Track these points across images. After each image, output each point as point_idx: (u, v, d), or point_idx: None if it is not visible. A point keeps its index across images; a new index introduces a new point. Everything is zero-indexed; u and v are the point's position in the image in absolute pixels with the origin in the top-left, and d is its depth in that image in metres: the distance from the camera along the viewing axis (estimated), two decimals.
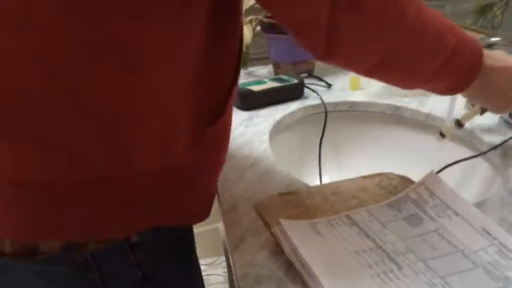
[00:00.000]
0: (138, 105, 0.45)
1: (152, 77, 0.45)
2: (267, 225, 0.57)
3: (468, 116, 0.75)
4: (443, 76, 0.54)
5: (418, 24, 0.49)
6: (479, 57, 0.55)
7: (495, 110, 0.66)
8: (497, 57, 0.57)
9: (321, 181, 0.86)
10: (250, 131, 0.85)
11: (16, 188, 0.46)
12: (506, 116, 0.83)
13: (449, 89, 0.57)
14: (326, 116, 0.94)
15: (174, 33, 0.45)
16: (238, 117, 0.91)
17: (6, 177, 0.45)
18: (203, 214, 0.57)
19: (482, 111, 0.73)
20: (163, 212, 0.53)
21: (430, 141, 0.84)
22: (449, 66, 0.53)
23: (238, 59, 0.56)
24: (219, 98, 0.54)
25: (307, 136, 0.96)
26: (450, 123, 0.76)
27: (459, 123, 0.75)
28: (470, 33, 0.56)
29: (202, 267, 0.70)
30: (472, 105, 0.78)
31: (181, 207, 0.54)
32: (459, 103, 0.91)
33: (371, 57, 0.50)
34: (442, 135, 0.77)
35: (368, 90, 1.04)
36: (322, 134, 0.83)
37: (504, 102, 0.62)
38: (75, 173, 0.46)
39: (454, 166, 0.83)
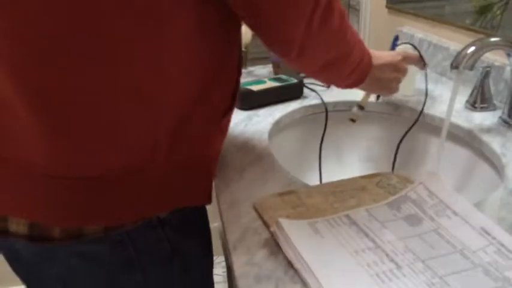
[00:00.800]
0: (157, 106, 0.52)
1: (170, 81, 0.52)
2: (266, 224, 0.57)
3: (365, 99, 0.90)
4: (349, 77, 0.71)
5: (350, 39, 0.64)
6: (370, 60, 0.73)
7: (381, 94, 0.92)
8: (378, 55, 0.75)
9: (321, 180, 0.86)
10: (249, 130, 0.85)
11: (56, 180, 0.52)
12: (505, 116, 0.83)
13: (349, 86, 0.74)
14: (327, 115, 0.94)
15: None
16: (238, 117, 0.91)
17: (44, 168, 0.51)
18: (210, 195, 0.64)
19: (377, 95, 0.95)
20: (185, 194, 0.59)
21: (430, 141, 0.84)
22: (356, 71, 0.70)
23: (238, 67, 0.63)
24: (229, 94, 0.62)
25: (307, 135, 0.96)
26: (354, 108, 0.89)
27: (360, 107, 0.89)
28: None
29: None
30: None
31: (199, 189, 0.61)
32: (458, 102, 0.91)
33: (320, 62, 0.64)
34: (352, 120, 0.88)
35: None
36: (323, 134, 0.83)
37: (382, 88, 0.81)
38: (109, 166, 0.52)
39: (454, 166, 0.83)
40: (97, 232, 0.55)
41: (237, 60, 0.62)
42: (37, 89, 0.48)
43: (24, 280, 0.66)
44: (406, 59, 0.82)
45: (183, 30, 0.50)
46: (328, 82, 0.79)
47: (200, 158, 0.59)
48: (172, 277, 0.63)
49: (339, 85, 0.74)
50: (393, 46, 0.96)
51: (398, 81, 0.82)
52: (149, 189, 0.56)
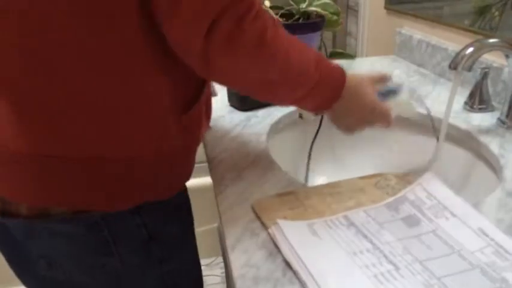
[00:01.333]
0: (121, 99, 0.54)
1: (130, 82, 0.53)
2: (264, 225, 0.57)
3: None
4: (305, 101, 0.64)
5: (286, 63, 0.57)
6: (340, 88, 0.64)
7: (343, 129, 0.71)
8: (363, 92, 0.66)
9: (307, 180, 0.85)
10: (248, 131, 0.85)
11: (23, 157, 0.54)
12: (503, 117, 0.83)
13: (313, 109, 0.67)
14: (322, 116, 0.94)
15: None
16: (236, 118, 0.91)
17: (12, 146, 0.54)
18: (176, 189, 0.65)
19: None
20: (147, 188, 0.60)
21: (428, 141, 0.84)
22: (311, 96, 0.62)
23: None
24: (191, 91, 0.61)
25: (305, 136, 0.96)
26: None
27: (300, 115, 0.83)
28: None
29: None
30: None
31: (160, 184, 0.62)
32: (457, 103, 0.91)
33: (243, 84, 0.61)
34: (301, 116, 0.82)
35: None
36: (316, 134, 0.82)
37: (344, 125, 0.70)
38: (71, 151, 0.54)
39: (453, 167, 0.83)
40: (64, 213, 0.57)
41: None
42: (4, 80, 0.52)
43: (9, 259, 0.68)
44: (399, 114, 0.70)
45: (126, 33, 0.50)
46: (278, 104, 0.70)
47: (158, 153, 0.59)
48: (149, 263, 0.65)
49: (300, 106, 0.67)
50: (384, 95, 0.71)
51: (369, 126, 0.70)
52: (110, 180, 0.57)
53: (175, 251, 0.68)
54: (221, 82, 0.61)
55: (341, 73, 0.64)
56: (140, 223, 0.61)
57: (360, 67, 1.24)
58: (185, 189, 0.70)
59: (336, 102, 0.65)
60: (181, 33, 0.50)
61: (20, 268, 0.67)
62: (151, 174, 0.60)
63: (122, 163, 0.57)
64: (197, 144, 0.67)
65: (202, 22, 0.49)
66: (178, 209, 0.68)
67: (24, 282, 0.69)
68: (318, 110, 0.67)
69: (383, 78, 0.71)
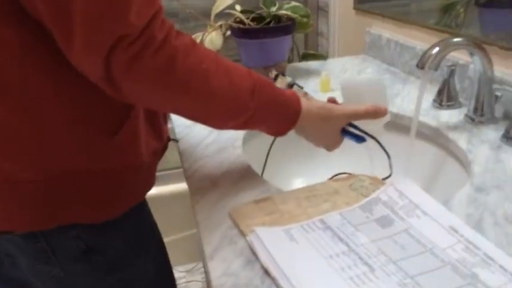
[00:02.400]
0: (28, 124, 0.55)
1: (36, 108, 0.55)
2: (242, 233, 0.57)
3: None
4: (251, 127, 0.65)
5: (205, 91, 0.56)
6: (294, 115, 0.65)
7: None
8: (322, 117, 0.67)
9: (262, 173, 0.84)
10: (223, 137, 0.85)
11: None
12: (470, 113, 0.85)
13: (269, 134, 0.67)
14: None
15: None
16: None
17: None
18: (113, 211, 0.65)
19: None
20: (71, 211, 0.61)
21: (399, 140, 0.86)
22: (254, 123, 0.63)
23: None
24: (114, 115, 0.60)
25: (281, 140, 0.97)
26: None
27: None
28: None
29: (181, 274, 0.73)
30: None
31: (90, 206, 0.62)
32: (426, 100, 0.94)
33: (162, 109, 0.63)
34: None
35: (339, 92, 1.05)
36: (273, 141, 0.81)
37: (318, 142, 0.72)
38: None
39: (423, 164, 0.86)
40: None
41: None
42: None
43: None
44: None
45: (11, 51, 0.51)
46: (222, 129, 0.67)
47: (87, 174, 0.60)
48: (95, 274, 0.66)
49: (250, 130, 0.68)
50: (347, 134, 0.71)
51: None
52: (30, 202, 0.59)
53: (122, 262, 0.68)
54: (141, 106, 0.62)
55: (292, 101, 0.64)
56: (76, 235, 0.62)
57: (333, 68, 1.25)
58: (136, 207, 0.68)
59: (296, 128, 0.66)
60: (79, 60, 0.51)
61: None
62: (75, 195, 0.60)
63: (41, 184, 0.58)
64: (138, 166, 0.65)
65: (98, 50, 0.48)
66: (121, 223, 0.66)
67: None
68: (274, 135, 0.68)
69: (368, 116, 0.69)
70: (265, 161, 0.81)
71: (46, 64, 0.53)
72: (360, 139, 0.70)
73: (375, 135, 0.70)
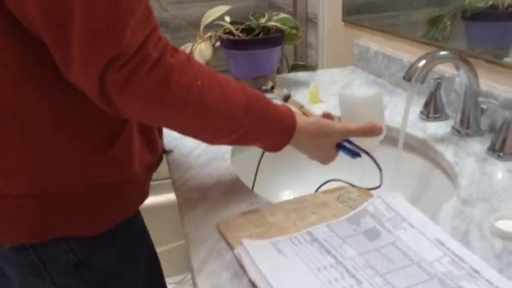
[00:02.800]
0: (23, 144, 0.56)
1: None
2: (230, 245, 0.57)
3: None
4: (246, 144, 0.64)
5: (200, 107, 0.56)
6: (289, 130, 0.65)
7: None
8: (317, 133, 0.67)
9: (253, 185, 0.84)
10: (212, 149, 0.85)
11: None
12: (457, 125, 0.86)
13: (264, 149, 0.68)
14: None
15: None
16: None
17: None
18: (103, 224, 0.64)
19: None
20: (61, 224, 0.61)
21: (387, 151, 0.87)
22: (248, 140, 0.63)
23: None
24: (109, 130, 0.60)
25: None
26: None
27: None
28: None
29: (170, 286, 0.71)
30: None
31: (80, 220, 0.62)
32: (413, 112, 0.95)
33: (157, 124, 0.65)
34: None
35: (328, 103, 1.06)
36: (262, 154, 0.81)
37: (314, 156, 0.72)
38: None
39: (410, 176, 0.86)
40: None
41: None
42: None
43: None
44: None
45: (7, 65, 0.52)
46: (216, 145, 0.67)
47: (81, 188, 0.60)
48: (86, 285, 0.66)
49: (246, 146, 0.67)
50: (342, 148, 0.72)
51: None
52: (23, 215, 0.59)
53: (114, 274, 0.68)
54: (137, 121, 0.63)
55: (287, 117, 0.64)
56: (67, 248, 0.62)
57: (322, 79, 1.26)
58: (128, 219, 0.68)
59: (291, 143, 0.66)
60: (75, 78, 0.51)
61: None
62: (69, 209, 0.60)
63: (34, 198, 0.58)
64: (132, 180, 0.66)
65: (93, 69, 0.49)
66: (112, 236, 0.66)
67: None
68: (269, 151, 0.68)
69: (364, 134, 0.69)
70: (256, 173, 0.81)
71: (40, 78, 0.53)
72: (355, 154, 0.71)
73: (369, 150, 0.71)
